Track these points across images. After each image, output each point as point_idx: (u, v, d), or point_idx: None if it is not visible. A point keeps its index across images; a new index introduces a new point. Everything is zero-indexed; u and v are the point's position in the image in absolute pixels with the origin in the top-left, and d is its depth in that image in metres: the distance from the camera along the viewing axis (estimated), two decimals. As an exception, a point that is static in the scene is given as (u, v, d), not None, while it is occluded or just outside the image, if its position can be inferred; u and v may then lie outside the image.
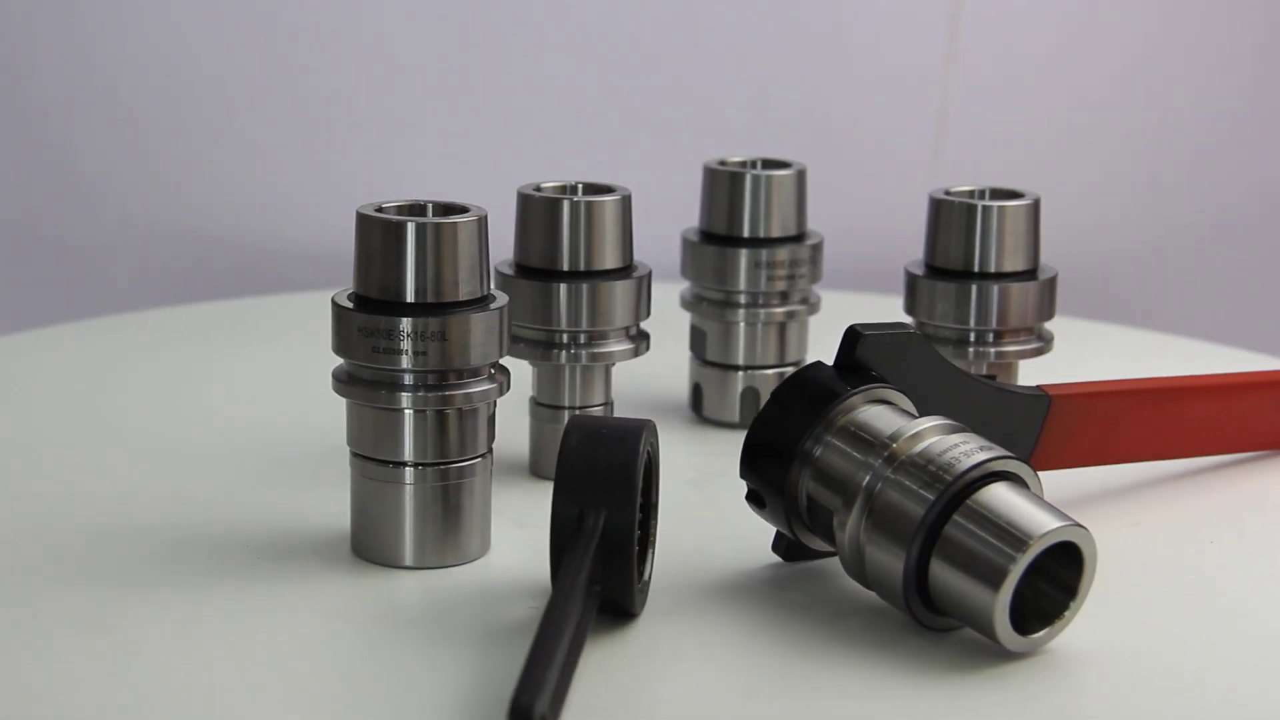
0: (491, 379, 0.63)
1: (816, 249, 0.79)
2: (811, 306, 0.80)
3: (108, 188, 1.11)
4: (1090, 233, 1.15)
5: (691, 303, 0.80)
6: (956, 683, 0.56)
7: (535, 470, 0.73)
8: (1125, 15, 1.17)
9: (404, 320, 0.60)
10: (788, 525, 0.62)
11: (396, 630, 0.59)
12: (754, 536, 0.65)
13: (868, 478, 0.59)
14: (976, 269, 0.74)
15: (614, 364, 0.72)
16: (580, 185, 0.72)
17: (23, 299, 1.12)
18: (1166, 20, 1.17)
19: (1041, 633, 0.58)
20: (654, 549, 0.62)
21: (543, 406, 0.72)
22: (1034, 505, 0.58)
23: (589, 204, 0.70)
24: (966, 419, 0.62)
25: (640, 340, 0.73)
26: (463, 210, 0.63)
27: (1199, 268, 1.21)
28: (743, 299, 0.79)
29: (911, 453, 0.59)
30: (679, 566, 0.64)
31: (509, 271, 0.71)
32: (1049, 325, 0.77)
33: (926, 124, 1.15)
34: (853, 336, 0.63)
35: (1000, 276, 0.74)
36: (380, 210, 0.62)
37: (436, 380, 0.61)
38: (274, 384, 0.85)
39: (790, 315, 0.79)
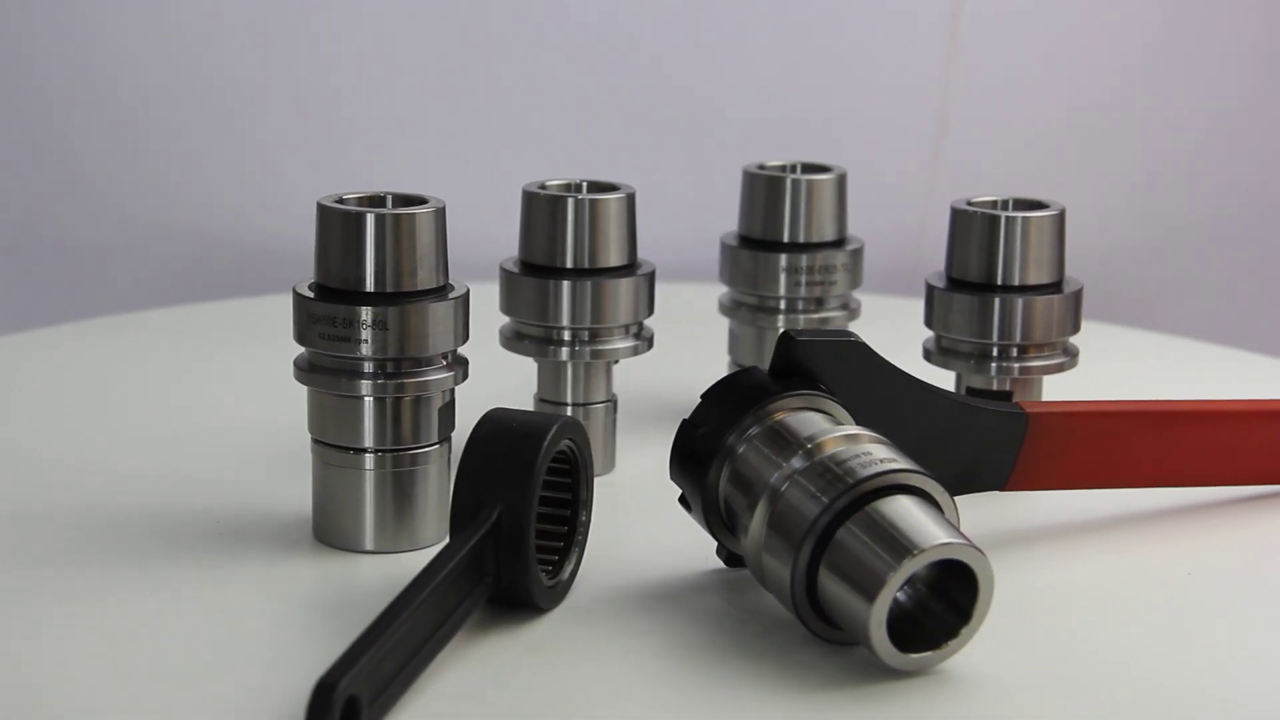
0: (448, 368, 0.63)
1: (855, 254, 0.78)
2: (852, 312, 0.79)
3: (108, 188, 1.11)
4: (1090, 233, 1.15)
5: (729, 308, 0.80)
6: (833, 697, 0.54)
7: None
8: (1125, 16, 1.17)
9: (360, 309, 0.61)
10: (709, 528, 0.61)
11: (331, 612, 0.60)
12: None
13: (773, 478, 0.57)
14: (999, 282, 0.71)
15: (616, 361, 0.72)
16: (584, 183, 0.72)
17: (23, 299, 1.12)
18: (1166, 21, 1.17)
19: (926, 653, 0.55)
20: (581, 548, 0.62)
21: (546, 403, 0.73)
22: (931, 521, 0.55)
23: (593, 202, 0.70)
24: (923, 433, 0.61)
25: (643, 338, 0.73)
26: (421, 201, 0.63)
27: (1199, 268, 1.21)
28: (781, 304, 0.78)
29: (819, 458, 0.57)
30: (618, 566, 0.63)
31: (514, 269, 0.71)
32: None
33: (926, 124, 1.15)
34: (786, 341, 0.61)
35: (1024, 290, 0.71)
36: (340, 201, 0.63)
37: (394, 368, 0.62)
38: (273, 383, 0.85)
39: (825, 321, 0.78)
